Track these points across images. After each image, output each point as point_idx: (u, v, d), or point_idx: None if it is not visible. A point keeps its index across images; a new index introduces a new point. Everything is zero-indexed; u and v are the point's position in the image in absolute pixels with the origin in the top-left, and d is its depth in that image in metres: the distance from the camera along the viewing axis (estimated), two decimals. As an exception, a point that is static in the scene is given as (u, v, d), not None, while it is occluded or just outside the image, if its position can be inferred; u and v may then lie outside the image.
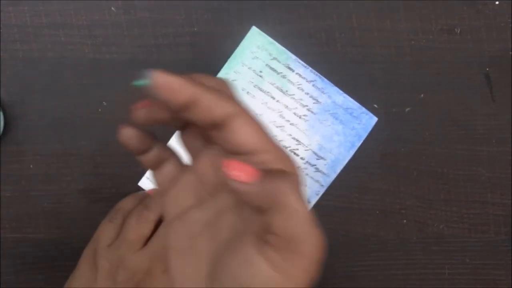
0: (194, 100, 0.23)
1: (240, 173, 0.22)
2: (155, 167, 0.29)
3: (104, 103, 0.47)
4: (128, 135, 0.27)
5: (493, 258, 0.48)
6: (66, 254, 0.48)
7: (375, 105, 0.47)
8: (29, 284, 0.48)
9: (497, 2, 0.46)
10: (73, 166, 0.47)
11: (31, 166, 0.47)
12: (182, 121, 0.27)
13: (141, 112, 0.26)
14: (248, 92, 0.47)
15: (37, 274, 0.48)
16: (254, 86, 0.47)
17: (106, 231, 0.43)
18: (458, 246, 0.48)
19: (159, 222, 0.43)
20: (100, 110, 0.47)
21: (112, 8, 0.46)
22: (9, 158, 0.47)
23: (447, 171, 0.47)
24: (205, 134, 0.27)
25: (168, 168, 0.29)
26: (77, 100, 0.47)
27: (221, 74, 0.47)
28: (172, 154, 0.29)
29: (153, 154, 0.28)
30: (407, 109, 0.47)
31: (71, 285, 0.43)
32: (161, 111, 0.26)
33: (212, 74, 0.47)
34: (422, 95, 0.47)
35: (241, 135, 0.23)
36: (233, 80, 0.47)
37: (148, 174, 0.47)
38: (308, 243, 0.22)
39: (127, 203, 0.45)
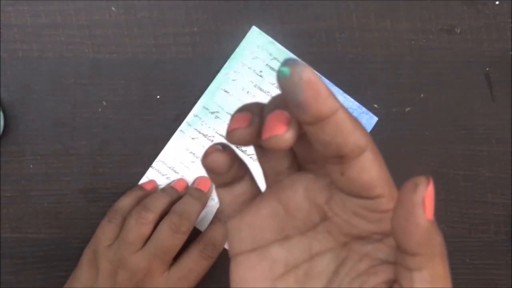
0: (333, 117, 0.18)
1: (430, 201, 0.18)
2: (225, 185, 0.23)
3: (104, 103, 0.47)
4: (217, 159, 0.22)
5: (493, 258, 0.48)
6: (66, 254, 0.48)
7: (375, 105, 0.47)
8: (29, 284, 0.48)
9: (497, 2, 0.46)
10: (73, 166, 0.47)
11: (31, 166, 0.47)
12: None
13: (241, 132, 0.20)
14: (248, 92, 0.47)
15: (37, 274, 0.48)
16: (255, 86, 0.47)
17: (106, 231, 0.43)
18: (458, 246, 0.48)
19: (157, 222, 0.43)
20: (100, 110, 0.47)
21: (112, 8, 0.46)
22: (9, 158, 0.47)
23: (447, 171, 0.47)
24: (300, 155, 0.23)
25: (241, 188, 0.23)
26: (77, 100, 0.47)
27: (221, 74, 0.47)
28: (247, 171, 0.24)
29: (231, 173, 0.23)
30: (407, 109, 0.47)
31: (71, 285, 0.43)
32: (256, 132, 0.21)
33: (212, 74, 0.47)
34: (422, 95, 0.47)
35: (371, 174, 0.19)
36: (233, 80, 0.47)
37: (149, 173, 0.47)
38: None
39: (124, 202, 0.45)
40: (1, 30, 0.46)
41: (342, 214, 0.21)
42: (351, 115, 0.19)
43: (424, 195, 0.17)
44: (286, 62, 0.18)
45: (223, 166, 0.22)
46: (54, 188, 0.48)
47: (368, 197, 0.20)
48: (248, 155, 0.47)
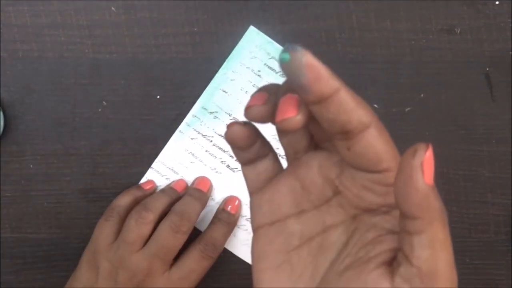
0: (336, 96, 0.20)
1: (430, 167, 0.19)
2: (250, 162, 0.25)
3: (104, 103, 0.47)
4: (237, 132, 0.24)
5: (493, 258, 0.48)
6: (66, 254, 0.48)
7: (375, 105, 0.47)
8: (29, 284, 0.48)
9: (497, 2, 0.46)
10: (73, 166, 0.47)
11: (31, 166, 0.47)
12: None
13: (257, 109, 0.22)
14: (247, 92, 0.47)
15: (37, 274, 0.48)
16: (253, 86, 0.47)
17: (103, 230, 0.43)
18: (458, 246, 0.48)
19: (157, 222, 0.43)
20: (100, 110, 0.47)
21: (112, 8, 0.47)
22: (9, 158, 0.47)
23: (447, 171, 0.47)
24: (315, 134, 0.24)
25: (264, 166, 0.25)
26: (77, 100, 0.47)
27: (220, 73, 0.47)
28: (271, 150, 0.26)
29: (253, 149, 0.24)
30: (407, 109, 0.47)
31: (72, 285, 0.43)
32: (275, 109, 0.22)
33: (212, 74, 0.47)
34: (422, 95, 0.47)
35: (377, 149, 0.21)
36: (232, 80, 0.47)
37: (148, 174, 0.47)
38: (446, 283, 0.20)
39: (121, 200, 0.45)
40: (1, 30, 0.46)
41: (352, 188, 0.22)
42: (354, 94, 0.20)
43: (423, 160, 0.19)
44: (287, 48, 0.19)
45: (242, 138, 0.24)
46: (54, 188, 0.48)
47: (375, 171, 0.21)
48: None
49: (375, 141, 0.21)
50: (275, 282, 0.24)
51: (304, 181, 0.24)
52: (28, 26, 0.46)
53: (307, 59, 0.20)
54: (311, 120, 0.22)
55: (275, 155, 0.26)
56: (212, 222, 0.46)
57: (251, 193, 0.26)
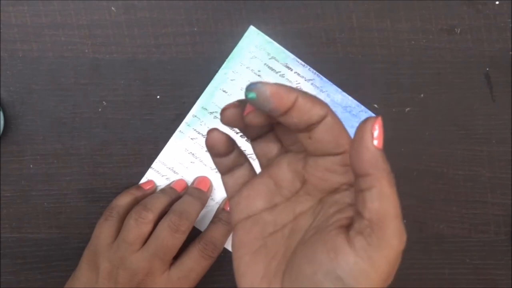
0: (295, 104, 0.24)
1: (379, 135, 0.23)
2: (228, 170, 0.30)
3: (104, 103, 0.47)
4: (216, 137, 0.28)
5: (493, 258, 0.48)
6: (66, 254, 0.48)
7: (375, 105, 0.47)
8: (29, 284, 0.48)
9: (497, 2, 0.46)
10: (73, 166, 0.47)
11: (31, 166, 0.47)
12: (255, 132, 0.29)
13: (230, 112, 0.27)
14: (248, 92, 0.47)
15: (37, 274, 0.48)
16: (254, 86, 0.47)
17: (103, 230, 0.43)
18: (458, 246, 0.48)
19: (157, 222, 0.43)
20: (100, 110, 0.47)
21: (112, 8, 0.47)
22: (9, 158, 0.47)
23: (447, 171, 0.47)
24: (281, 142, 0.29)
25: (241, 172, 0.30)
26: (77, 100, 0.47)
27: (220, 74, 0.47)
28: (247, 160, 0.30)
29: (231, 158, 0.29)
30: (407, 109, 0.47)
31: (72, 285, 0.43)
32: (256, 115, 0.27)
33: (212, 74, 0.47)
34: (422, 95, 0.47)
35: (334, 133, 0.25)
36: (232, 80, 0.47)
37: (148, 174, 0.47)
38: (394, 231, 0.23)
39: (121, 200, 0.45)
40: (1, 30, 0.46)
41: (316, 172, 0.27)
42: (308, 95, 0.25)
43: (373, 125, 0.23)
44: (250, 88, 0.24)
45: (221, 143, 0.28)
46: (54, 188, 0.48)
47: (334, 153, 0.26)
48: (247, 154, 0.47)
49: (332, 127, 0.25)
50: (252, 263, 0.28)
51: (276, 177, 0.28)
52: (28, 26, 0.46)
53: (270, 90, 0.24)
54: (277, 127, 0.28)
55: (250, 164, 0.30)
56: (212, 222, 0.46)
57: (231, 197, 0.30)
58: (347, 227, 0.25)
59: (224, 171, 0.30)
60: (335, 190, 0.27)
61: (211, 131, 0.28)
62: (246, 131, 0.29)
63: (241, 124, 0.28)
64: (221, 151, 0.29)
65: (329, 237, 0.25)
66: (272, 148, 0.29)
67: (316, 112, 0.25)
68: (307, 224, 0.27)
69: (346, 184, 0.26)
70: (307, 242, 0.26)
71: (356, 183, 0.24)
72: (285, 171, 0.28)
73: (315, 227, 0.26)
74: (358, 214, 0.24)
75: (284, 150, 0.29)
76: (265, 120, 0.27)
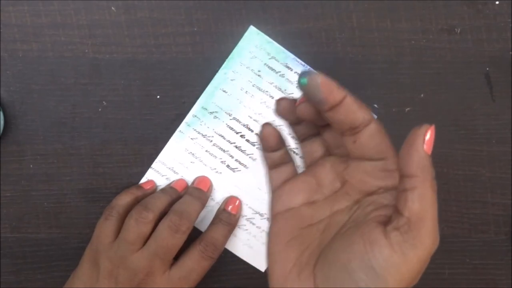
0: (343, 101, 0.26)
1: (430, 141, 0.25)
2: (275, 166, 0.33)
3: (104, 103, 0.47)
4: (270, 131, 0.31)
5: (493, 258, 0.48)
6: (66, 254, 0.48)
7: (375, 105, 0.47)
8: (29, 284, 0.48)
9: (497, 2, 0.46)
10: (73, 166, 0.47)
11: (31, 166, 0.47)
12: (306, 131, 0.32)
13: (284, 102, 0.30)
14: (247, 92, 0.47)
15: (37, 274, 0.48)
16: (253, 86, 0.47)
17: (104, 229, 0.43)
18: (458, 246, 0.48)
19: (157, 221, 0.43)
20: (100, 110, 0.47)
21: (112, 8, 0.47)
22: (9, 158, 0.47)
23: (447, 171, 0.47)
24: (329, 144, 0.31)
25: (286, 169, 0.33)
26: (77, 100, 0.47)
27: (220, 74, 0.47)
28: (291, 159, 0.33)
29: (279, 154, 0.32)
30: (407, 109, 0.47)
31: (72, 284, 0.43)
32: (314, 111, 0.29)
33: (212, 74, 0.47)
34: (422, 95, 0.47)
35: (377, 140, 0.27)
36: (232, 80, 0.47)
37: (148, 174, 0.47)
38: (430, 232, 0.25)
39: (121, 199, 0.45)
40: (1, 30, 0.46)
41: (356, 175, 0.29)
42: (356, 98, 0.27)
43: (425, 131, 0.25)
44: (303, 74, 0.26)
45: (274, 138, 0.31)
46: (54, 188, 0.48)
47: (376, 158, 0.28)
48: (247, 154, 0.47)
49: (375, 134, 0.27)
50: (285, 252, 0.29)
51: (319, 176, 0.31)
52: (28, 26, 0.46)
53: (321, 79, 0.26)
54: (324, 131, 0.31)
55: (294, 164, 0.33)
56: (212, 223, 0.46)
57: (273, 190, 0.32)
58: (385, 223, 0.26)
59: (272, 166, 0.33)
60: (372, 192, 0.28)
61: (266, 125, 0.31)
62: (297, 130, 0.32)
63: (292, 116, 0.30)
64: (272, 145, 0.32)
65: (367, 229, 0.26)
66: (317, 149, 0.32)
67: (361, 115, 0.27)
68: (343, 221, 0.29)
69: (383, 188, 0.28)
70: (344, 234, 0.28)
71: (400, 183, 0.25)
72: (327, 171, 0.31)
73: (353, 221, 0.28)
74: (398, 212, 0.25)
75: (328, 153, 0.32)
76: (315, 115, 0.29)
